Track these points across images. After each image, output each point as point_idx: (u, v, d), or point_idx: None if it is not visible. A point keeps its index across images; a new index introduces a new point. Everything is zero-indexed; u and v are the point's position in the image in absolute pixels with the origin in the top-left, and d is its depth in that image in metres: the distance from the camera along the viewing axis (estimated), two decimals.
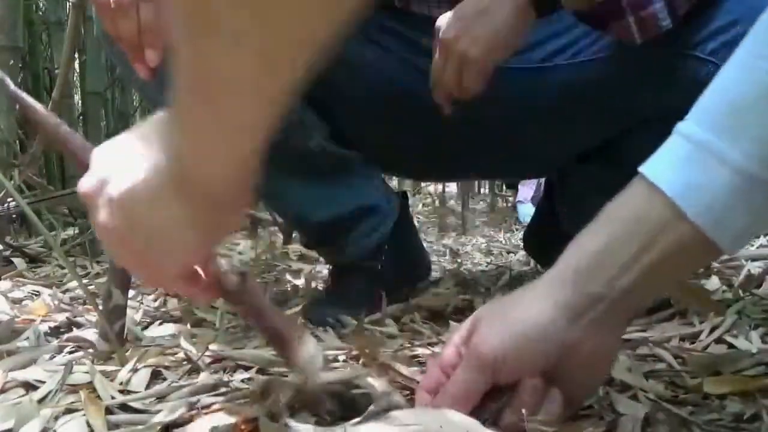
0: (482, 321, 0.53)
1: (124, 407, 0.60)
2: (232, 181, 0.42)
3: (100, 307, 0.76)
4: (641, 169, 0.51)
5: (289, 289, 1.20)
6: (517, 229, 2.71)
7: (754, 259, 1.23)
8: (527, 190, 3.12)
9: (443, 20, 0.82)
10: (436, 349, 0.77)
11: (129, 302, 0.95)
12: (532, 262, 1.43)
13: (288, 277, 1.33)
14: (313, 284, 1.20)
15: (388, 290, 0.96)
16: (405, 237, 1.08)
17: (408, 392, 0.62)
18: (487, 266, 1.54)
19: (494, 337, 0.50)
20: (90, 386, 0.64)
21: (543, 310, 0.50)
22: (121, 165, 0.45)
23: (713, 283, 1.11)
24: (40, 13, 2.33)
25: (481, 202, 4.25)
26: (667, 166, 0.50)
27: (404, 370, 0.66)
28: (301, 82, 0.36)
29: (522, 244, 2.13)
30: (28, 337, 0.82)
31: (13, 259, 1.41)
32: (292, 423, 0.50)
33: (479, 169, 1.15)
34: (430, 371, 0.55)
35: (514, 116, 0.94)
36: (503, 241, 2.25)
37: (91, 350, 0.76)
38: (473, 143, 0.99)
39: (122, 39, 0.74)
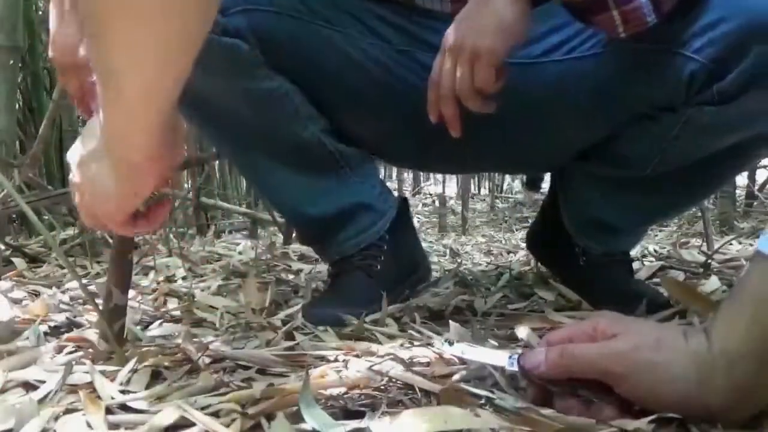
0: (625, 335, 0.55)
1: (124, 407, 0.60)
2: (140, 150, 0.56)
3: (101, 307, 0.76)
4: (760, 247, 0.52)
5: (289, 289, 1.20)
6: (517, 229, 2.71)
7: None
8: None
9: (447, 32, 0.83)
10: (436, 349, 0.77)
11: (129, 302, 0.96)
12: (533, 262, 1.43)
13: (288, 277, 1.33)
14: (313, 284, 1.20)
15: (388, 291, 0.96)
16: (405, 240, 1.08)
17: (409, 391, 0.62)
18: (487, 266, 1.54)
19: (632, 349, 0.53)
20: (90, 386, 0.64)
21: (685, 367, 0.52)
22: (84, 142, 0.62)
23: (713, 283, 1.11)
24: (40, 13, 2.33)
25: (481, 202, 4.25)
26: None
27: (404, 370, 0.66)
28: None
29: (521, 244, 2.13)
30: (28, 337, 0.82)
31: (13, 259, 1.41)
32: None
33: (477, 161, 1.15)
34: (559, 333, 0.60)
35: (508, 111, 0.94)
36: (503, 241, 2.25)
37: (91, 350, 0.76)
38: (469, 137, 0.99)
39: (70, 93, 0.85)
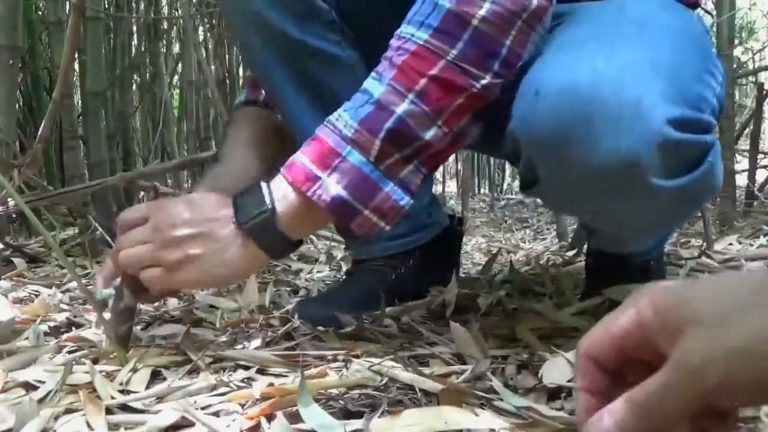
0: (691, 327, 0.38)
1: (124, 407, 0.60)
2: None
3: (108, 308, 0.76)
4: None
5: (288, 289, 1.20)
6: (517, 229, 2.71)
7: (754, 259, 1.23)
8: None
9: None
10: (436, 349, 0.77)
11: None
12: (533, 262, 1.43)
13: (288, 277, 1.33)
14: (316, 285, 1.20)
15: (389, 301, 0.94)
16: (437, 263, 1.06)
17: (409, 391, 0.62)
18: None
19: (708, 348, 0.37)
20: (90, 386, 0.64)
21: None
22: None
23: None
24: (40, 13, 2.33)
25: (481, 203, 4.25)
26: None
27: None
28: None
29: (521, 244, 2.14)
30: (28, 337, 0.82)
31: (13, 259, 1.41)
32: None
33: None
34: (583, 365, 0.42)
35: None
36: (503, 241, 2.25)
37: (92, 349, 0.76)
38: None
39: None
